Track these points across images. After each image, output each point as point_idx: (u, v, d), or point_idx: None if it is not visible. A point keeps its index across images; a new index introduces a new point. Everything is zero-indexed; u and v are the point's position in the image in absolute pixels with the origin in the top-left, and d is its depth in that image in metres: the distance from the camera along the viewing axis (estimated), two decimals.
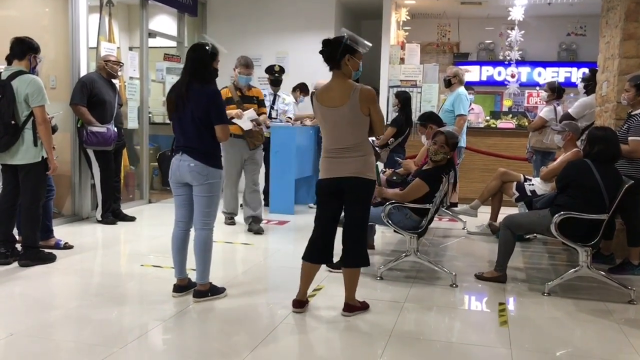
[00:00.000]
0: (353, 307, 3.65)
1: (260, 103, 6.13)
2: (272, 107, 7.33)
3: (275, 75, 7.37)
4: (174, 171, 3.76)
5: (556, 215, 4.09)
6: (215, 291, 3.88)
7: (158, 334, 3.35)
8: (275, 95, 7.40)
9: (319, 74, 8.30)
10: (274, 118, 7.29)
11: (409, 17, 9.41)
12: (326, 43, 3.51)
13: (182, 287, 3.91)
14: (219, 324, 3.52)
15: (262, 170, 7.73)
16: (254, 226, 6.03)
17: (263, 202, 6.39)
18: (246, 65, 5.96)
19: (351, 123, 3.48)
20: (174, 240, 3.88)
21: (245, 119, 5.82)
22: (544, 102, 7.06)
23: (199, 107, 3.63)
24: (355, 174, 3.49)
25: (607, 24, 5.67)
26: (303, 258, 3.67)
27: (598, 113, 5.77)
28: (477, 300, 4.22)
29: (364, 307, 3.72)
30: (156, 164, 8.57)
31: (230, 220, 6.40)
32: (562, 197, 4.22)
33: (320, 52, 3.53)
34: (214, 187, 3.73)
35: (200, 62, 3.70)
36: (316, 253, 3.65)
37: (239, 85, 6.01)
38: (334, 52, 3.48)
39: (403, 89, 7.70)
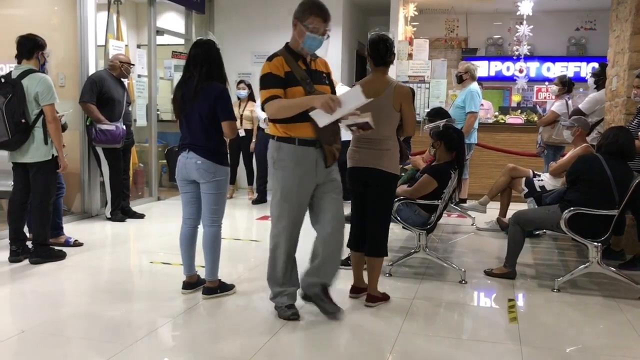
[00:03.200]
0: (375, 297, 3.74)
1: (331, 85, 3.53)
2: None
3: None
4: (181, 169, 3.76)
5: (566, 211, 4.07)
6: (224, 288, 3.89)
7: (167, 330, 3.36)
8: None
9: None
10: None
11: (416, 13, 9.37)
12: (392, 43, 3.69)
13: (191, 284, 3.93)
14: (228, 321, 3.53)
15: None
16: (329, 307, 3.43)
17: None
18: (323, 16, 3.29)
19: (381, 115, 3.54)
20: (182, 237, 3.89)
21: (345, 109, 3.12)
22: (554, 97, 7.02)
23: (206, 105, 3.63)
24: (377, 166, 3.59)
25: (617, 18, 5.62)
26: (347, 246, 3.79)
27: (608, 108, 5.73)
28: (486, 296, 4.21)
29: (385, 298, 3.81)
30: (164, 161, 8.60)
31: (291, 310, 3.44)
32: (572, 192, 4.20)
33: (380, 50, 3.64)
34: (221, 184, 3.73)
35: (215, 61, 3.70)
36: (355, 241, 3.82)
37: (302, 52, 3.36)
38: (391, 51, 3.66)
39: (408, 85, 7.66)
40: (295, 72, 3.27)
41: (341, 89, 7.42)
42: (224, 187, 3.76)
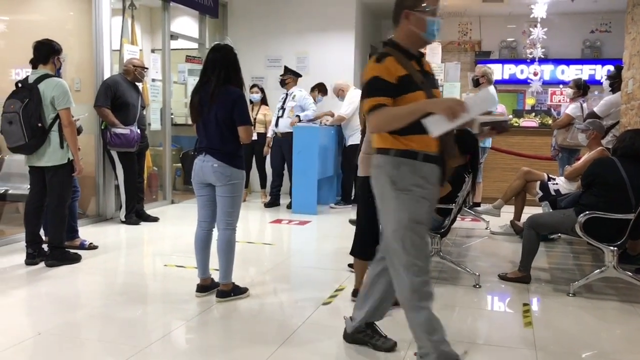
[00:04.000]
0: None
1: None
2: (282, 107, 7.51)
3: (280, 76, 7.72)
4: (197, 172, 3.79)
5: (581, 215, 4.03)
6: (237, 291, 3.90)
7: (181, 333, 3.38)
8: (287, 94, 7.55)
9: (339, 74, 8.39)
10: (280, 117, 7.52)
11: None
12: None
13: (205, 287, 3.94)
14: (242, 324, 3.54)
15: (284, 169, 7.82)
16: (382, 343, 3.11)
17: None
18: None
19: None
20: (197, 240, 3.91)
21: (467, 116, 2.46)
22: (569, 100, 6.98)
23: (224, 109, 3.65)
24: None
25: (633, 20, 5.57)
26: (351, 253, 3.86)
27: (623, 111, 5.67)
28: (501, 300, 4.18)
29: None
30: (179, 164, 8.66)
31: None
32: (587, 196, 4.16)
33: None
34: (236, 188, 3.75)
35: (233, 66, 3.72)
36: (364, 249, 3.72)
37: (414, 50, 2.75)
38: None
39: None
40: (411, 73, 2.60)
41: (354, 93, 7.46)
42: (239, 191, 3.78)
